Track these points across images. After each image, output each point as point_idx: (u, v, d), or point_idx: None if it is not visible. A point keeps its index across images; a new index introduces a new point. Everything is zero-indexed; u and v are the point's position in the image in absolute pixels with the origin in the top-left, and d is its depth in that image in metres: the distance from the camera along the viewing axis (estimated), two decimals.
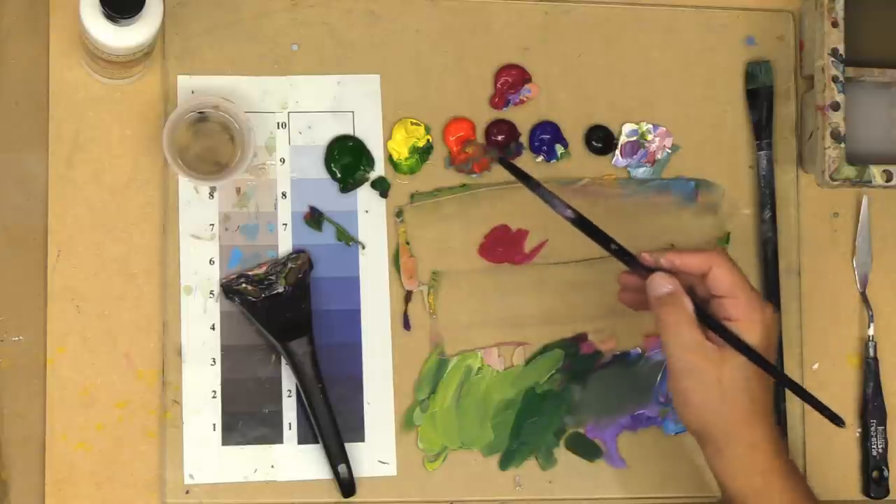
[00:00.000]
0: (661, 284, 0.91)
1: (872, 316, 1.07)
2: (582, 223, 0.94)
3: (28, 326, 0.99)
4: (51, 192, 1.00)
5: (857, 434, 1.07)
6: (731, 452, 0.90)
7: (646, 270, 0.92)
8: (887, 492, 1.06)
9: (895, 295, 1.08)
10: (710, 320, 0.91)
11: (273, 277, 1.00)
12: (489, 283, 1.03)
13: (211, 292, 1.00)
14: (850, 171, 1.02)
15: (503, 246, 1.04)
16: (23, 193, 1.00)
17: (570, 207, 0.93)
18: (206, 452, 0.99)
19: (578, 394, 1.04)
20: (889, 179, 1.02)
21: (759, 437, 0.90)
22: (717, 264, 0.91)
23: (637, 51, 1.07)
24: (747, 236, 1.07)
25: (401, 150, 1.03)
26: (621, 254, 0.93)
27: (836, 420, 0.90)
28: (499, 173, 1.04)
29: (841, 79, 1.02)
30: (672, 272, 0.92)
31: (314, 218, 1.02)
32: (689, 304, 0.90)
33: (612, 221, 1.05)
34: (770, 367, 0.90)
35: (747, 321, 0.90)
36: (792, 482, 0.91)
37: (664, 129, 1.07)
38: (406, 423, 1.01)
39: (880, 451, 1.06)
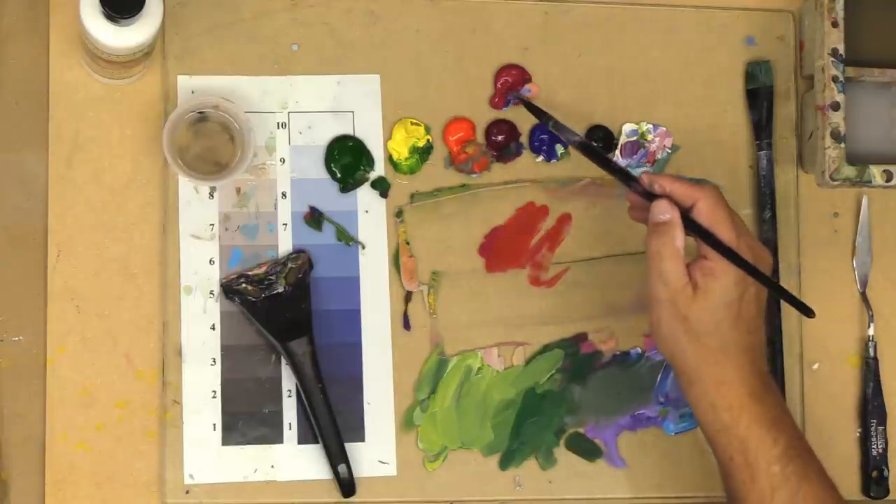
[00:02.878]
0: (661, 211, 0.91)
1: (872, 316, 1.07)
2: (585, 147, 0.96)
3: (28, 326, 0.99)
4: (51, 192, 1.00)
5: (857, 434, 1.07)
6: (699, 386, 0.91)
7: (645, 194, 0.93)
8: (887, 492, 1.06)
9: (895, 295, 1.08)
10: (697, 229, 0.91)
11: (273, 277, 1.00)
12: (489, 283, 1.03)
13: (211, 292, 1.00)
14: (850, 171, 1.02)
15: (505, 251, 1.04)
16: (23, 193, 1.00)
17: (577, 134, 0.97)
18: (206, 452, 0.99)
19: (578, 394, 1.04)
20: (889, 179, 1.02)
21: (728, 375, 0.90)
22: (702, 198, 0.91)
23: (637, 51, 1.07)
24: None
25: (401, 150, 1.03)
26: (623, 175, 0.94)
27: (807, 310, 0.91)
28: (499, 173, 1.04)
29: (841, 79, 1.02)
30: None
31: (314, 218, 1.02)
32: (679, 238, 0.90)
33: (612, 221, 1.05)
34: (746, 264, 0.90)
35: (721, 262, 0.90)
36: (764, 419, 0.90)
37: (664, 129, 1.07)
38: (406, 423, 1.01)
39: (880, 451, 1.06)
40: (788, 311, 1.06)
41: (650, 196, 0.92)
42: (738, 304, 0.90)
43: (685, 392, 0.92)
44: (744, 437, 0.90)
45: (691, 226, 0.91)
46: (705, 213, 0.91)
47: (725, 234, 0.90)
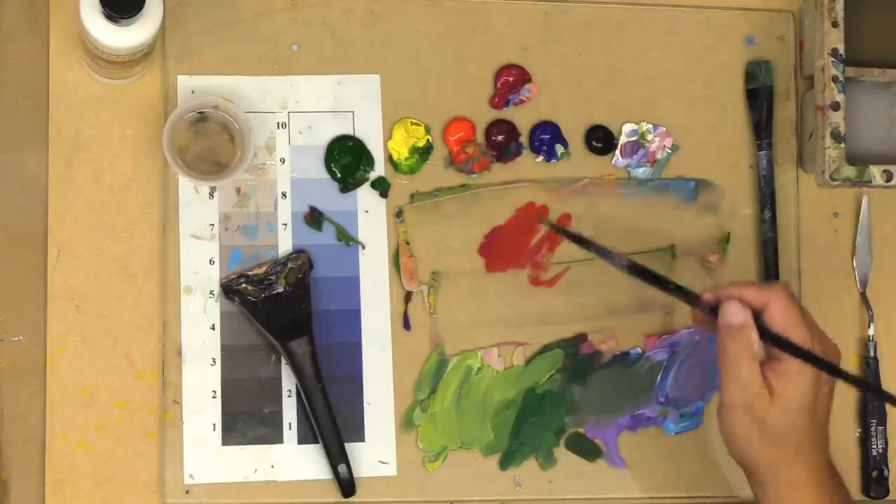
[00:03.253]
0: (733, 314, 0.89)
1: (872, 316, 1.07)
2: (638, 270, 0.93)
3: (28, 326, 0.99)
4: (51, 192, 1.00)
5: (857, 434, 1.07)
6: (772, 489, 0.90)
7: (709, 309, 0.91)
8: (887, 492, 1.06)
9: (895, 295, 1.08)
10: (774, 338, 0.89)
11: (273, 277, 1.00)
12: (489, 283, 1.03)
13: (211, 292, 1.00)
14: (850, 171, 1.02)
15: (505, 251, 1.04)
16: (23, 193, 1.00)
17: (624, 257, 0.94)
18: (206, 452, 0.99)
19: (578, 394, 1.04)
20: (889, 179, 1.02)
21: (802, 476, 0.90)
22: (773, 300, 0.89)
23: (637, 51, 1.07)
24: (747, 236, 1.07)
25: (401, 150, 1.03)
26: (683, 293, 0.92)
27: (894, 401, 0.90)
28: (499, 173, 1.04)
29: (841, 79, 1.02)
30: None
31: (314, 218, 1.02)
32: (755, 339, 0.89)
33: (612, 221, 1.05)
34: (828, 365, 0.88)
35: (797, 363, 0.89)
36: None
37: (664, 129, 1.07)
38: (406, 423, 1.01)
39: (880, 451, 1.06)
40: None
41: (715, 311, 0.90)
42: (814, 404, 0.89)
43: (755, 493, 0.92)
44: None
45: (764, 331, 0.89)
46: (778, 316, 0.89)
47: (799, 335, 0.89)
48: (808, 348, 0.88)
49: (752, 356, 0.89)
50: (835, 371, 0.88)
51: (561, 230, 1.00)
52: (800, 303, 0.91)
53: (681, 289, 0.92)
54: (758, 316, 0.90)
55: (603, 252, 0.94)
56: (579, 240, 0.96)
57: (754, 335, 0.89)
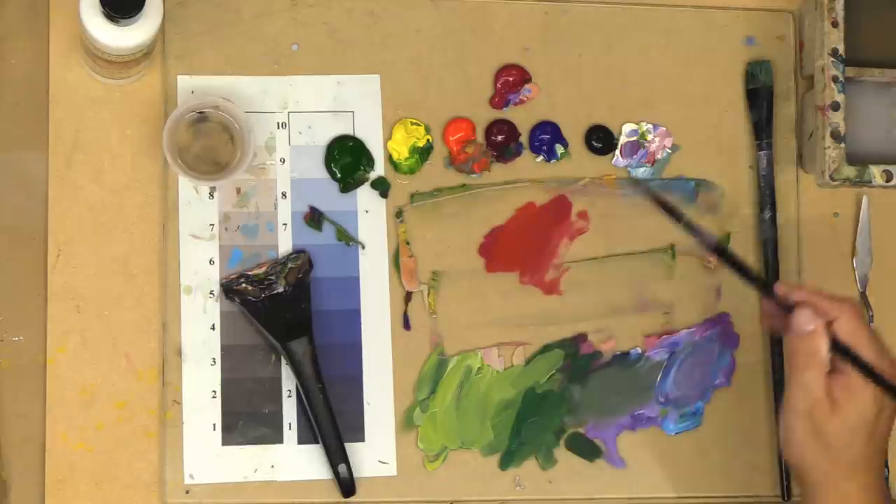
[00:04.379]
0: (806, 322, 0.90)
1: (872, 316, 1.07)
2: (721, 251, 0.94)
3: (28, 326, 0.98)
4: (51, 192, 1.00)
5: None
6: (821, 499, 0.90)
7: (782, 306, 0.92)
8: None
9: (895, 295, 1.08)
10: (843, 349, 0.90)
11: (273, 277, 1.00)
12: (489, 283, 1.03)
13: (211, 292, 1.00)
14: (850, 171, 1.02)
15: (505, 251, 1.04)
16: (23, 193, 1.00)
17: (712, 236, 0.95)
18: (206, 452, 0.99)
19: (578, 394, 1.04)
20: (889, 179, 1.02)
21: (852, 491, 0.90)
22: (843, 315, 0.90)
23: (637, 51, 1.07)
24: (747, 236, 1.07)
25: (401, 150, 1.03)
26: (758, 282, 0.93)
27: None
28: (499, 173, 1.04)
29: (841, 79, 1.02)
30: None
31: (314, 218, 1.02)
32: (825, 348, 0.89)
33: (612, 221, 1.05)
34: (890, 386, 0.89)
35: (861, 379, 0.89)
36: None
37: (664, 129, 1.07)
38: (406, 423, 1.01)
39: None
40: None
41: (786, 306, 0.91)
42: (875, 422, 0.90)
43: (803, 499, 0.92)
44: None
45: (835, 343, 0.90)
46: (846, 331, 0.90)
47: (866, 353, 0.89)
48: (875, 367, 0.89)
49: (819, 364, 0.89)
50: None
51: (654, 197, 0.96)
52: (868, 324, 0.91)
53: (760, 279, 0.93)
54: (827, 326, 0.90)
55: (691, 228, 0.94)
56: (670, 210, 0.95)
57: (824, 344, 0.89)
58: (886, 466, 1.05)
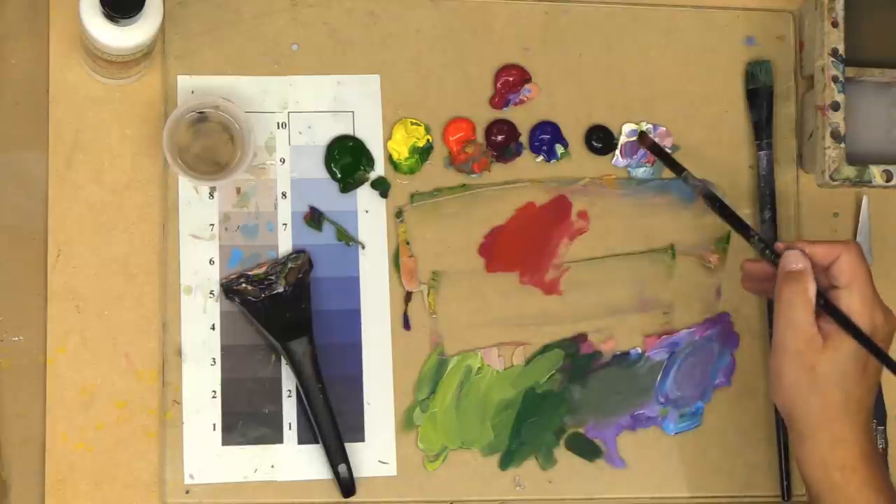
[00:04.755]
0: (793, 260, 0.91)
1: None
2: (712, 199, 0.96)
3: (28, 326, 0.98)
4: (51, 192, 1.00)
5: None
6: (813, 443, 0.90)
7: (773, 257, 0.93)
8: None
9: (895, 295, 1.08)
10: (829, 306, 0.91)
11: (273, 277, 1.00)
12: (489, 283, 1.03)
13: (211, 292, 1.00)
14: (850, 171, 1.02)
15: (504, 251, 1.04)
16: (23, 193, 1.00)
17: (702, 183, 0.96)
18: (206, 452, 0.99)
19: (578, 394, 1.04)
20: (889, 179, 1.02)
21: (844, 433, 0.89)
22: (846, 252, 0.91)
23: (637, 51, 1.07)
24: None
25: (401, 150, 1.03)
26: (759, 242, 0.94)
27: None
28: (499, 173, 1.04)
29: (841, 79, 1.02)
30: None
31: (314, 218, 1.02)
32: (812, 287, 0.90)
33: (612, 221, 1.05)
34: (882, 354, 0.90)
35: (858, 315, 0.90)
36: (873, 483, 0.89)
37: (664, 129, 1.07)
38: (406, 423, 1.01)
39: (880, 451, 1.06)
40: None
41: (776, 259, 0.93)
42: (866, 360, 0.90)
43: (795, 446, 0.92)
44: (853, 499, 0.89)
45: (824, 303, 0.91)
46: (847, 268, 0.91)
47: (866, 289, 0.90)
48: (875, 304, 0.90)
49: (807, 302, 0.90)
50: (881, 355, 0.89)
51: (649, 143, 1.00)
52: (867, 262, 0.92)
53: (760, 238, 0.94)
54: (823, 292, 0.91)
55: (680, 172, 0.96)
56: (661, 153, 0.97)
57: (811, 282, 0.90)
58: (886, 466, 1.06)
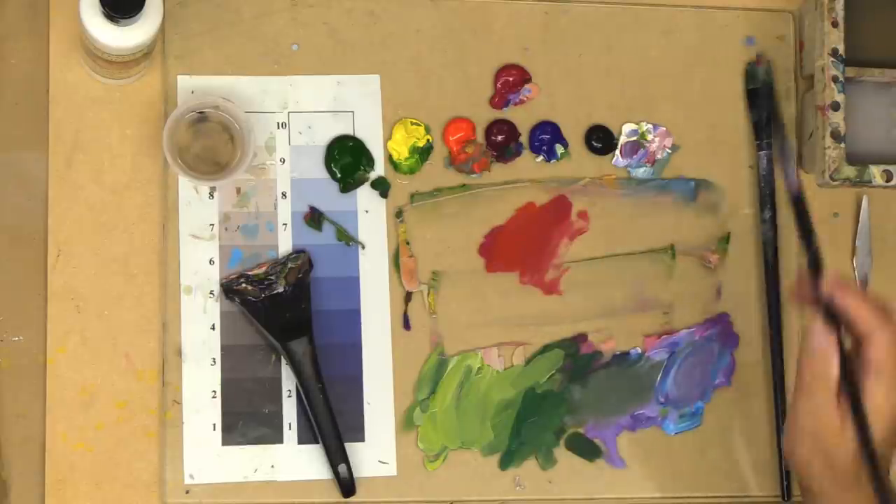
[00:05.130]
0: (818, 338, 0.85)
1: None
2: (798, 205, 0.87)
3: (28, 326, 0.98)
4: (51, 192, 1.00)
5: None
6: None
7: (818, 293, 0.86)
8: None
9: (895, 295, 1.08)
10: (849, 396, 0.85)
11: (273, 277, 1.00)
12: (489, 283, 1.03)
13: (211, 292, 1.00)
14: (850, 171, 1.02)
15: (504, 252, 1.04)
16: (23, 193, 1.00)
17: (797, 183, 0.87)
18: (206, 452, 0.99)
19: (578, 394, 1.04)
20: (889, 179, 1.02)
21: (858, 501, 0.86)
22: (885, 334, 0.84)
23: (637, 51, 1.07)
24: (747, 236, 1.07)
25: (401, 150, 1.03)
26: (814, 259, 0.86)
27: None
28: (499, 173, 1.04)
29: (841, 79, 1.02)
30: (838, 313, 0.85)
31: (314, 218, 1.02)
32: (834, 370, 0.84)
33: (612, 221, 1.05)
34: (876, 473, 0.84)
35: (877, 411, 0.84)
36: None
37: (664, 129, 1.07)
38: (406, 423, 1.01)
39: None
40: (788, 312, 1.06)
41: (818, 298, 0.85)
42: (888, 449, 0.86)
43: (805, 502, 0.90)
44: None
45: (845, 376, 0.84)
46: (876, 355, 0.84)
47: (894, 381, 0.84)
48: (892, 403, 0.84)
49: (828, 385, 0.84)
50: (877, 478, 0.83)
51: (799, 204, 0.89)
52: None
53: (818, 258, 0.86)
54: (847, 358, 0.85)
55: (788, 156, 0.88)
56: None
57: (835, 364, 0.84)
58: None
